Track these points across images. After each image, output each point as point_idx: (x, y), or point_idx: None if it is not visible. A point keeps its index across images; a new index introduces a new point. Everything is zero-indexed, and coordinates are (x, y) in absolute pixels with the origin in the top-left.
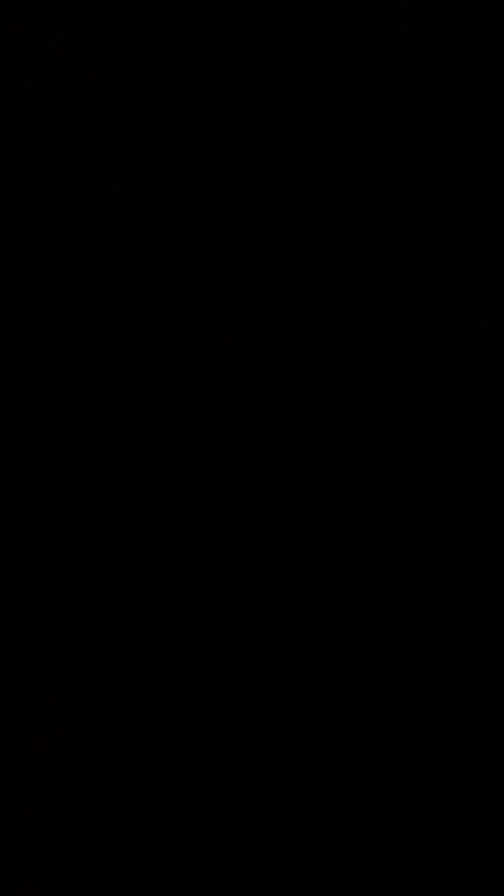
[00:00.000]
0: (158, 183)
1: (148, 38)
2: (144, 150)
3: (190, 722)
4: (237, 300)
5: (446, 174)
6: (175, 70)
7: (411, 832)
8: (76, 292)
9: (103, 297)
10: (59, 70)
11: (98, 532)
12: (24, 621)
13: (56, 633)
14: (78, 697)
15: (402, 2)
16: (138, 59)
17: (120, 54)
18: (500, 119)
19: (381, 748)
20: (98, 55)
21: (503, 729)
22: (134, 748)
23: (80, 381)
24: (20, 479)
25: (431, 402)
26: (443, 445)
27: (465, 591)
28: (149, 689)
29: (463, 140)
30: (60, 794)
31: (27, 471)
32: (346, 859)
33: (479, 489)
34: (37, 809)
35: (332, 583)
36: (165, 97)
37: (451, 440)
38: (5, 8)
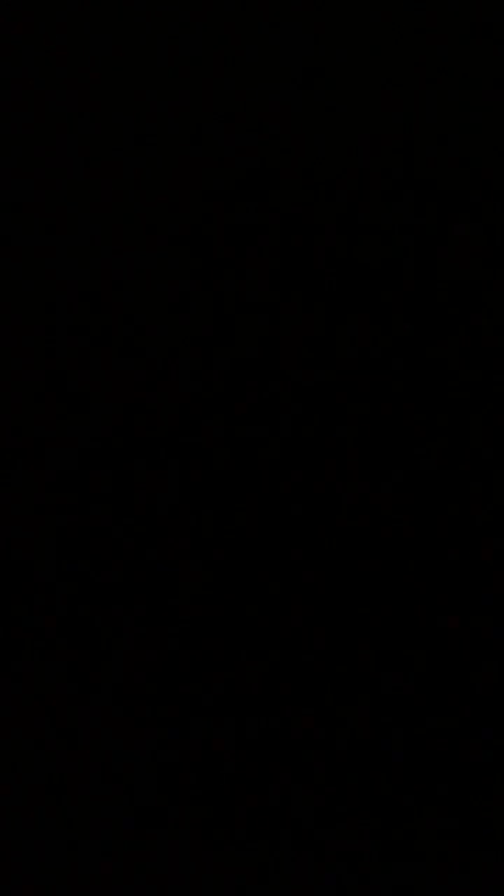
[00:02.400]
0: (158, 183)
1: (148, 38)
2: (144, 150)
3: (190, 722)
4: (237, 300)
5: (446, 174)
6: (175, 70)
7: (411, 832)
8: (76, 292)
9: (103, 297)
10: (59, 70)
11: (98, 532)
12: (24, 621)
13: (56, 634)
14: (78, 697)
15: (402, 2)
16: (138, 59)
17: (120, 54)
18: (501, 119)
19: (380, 748)
20: (98, 55)
21: (503, 729)
22: (134, 748)
23: (80, 381)
24: (20, 479)
25: (431, 403)
26: (443, 446)
27: (465, 591)
28: (149, 689)
29: (463, 140)
30: (60, 794)
31: (27, 471)
32: (346, 859)
33: (479, 489)
34: (37, 810)
35: (332, 583)
36: (165, 97)
37: (450, 440)
38: (5, 8)
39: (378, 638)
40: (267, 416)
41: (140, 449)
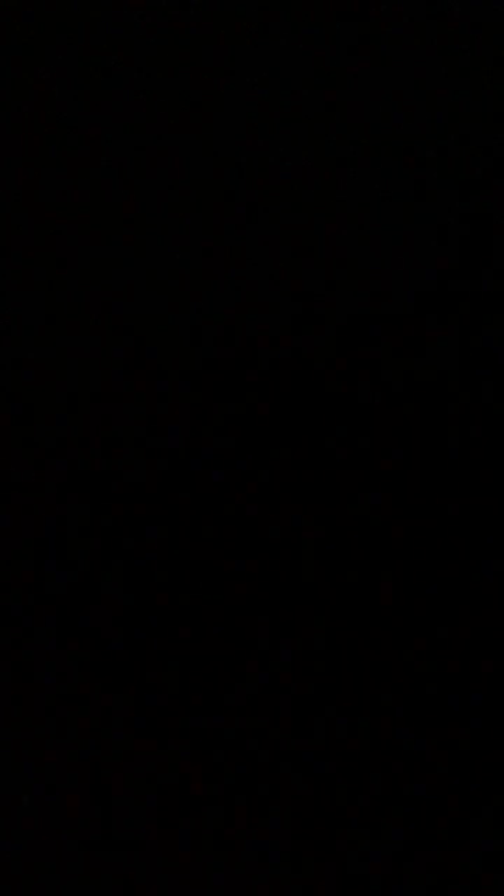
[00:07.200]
0: (158, 183)
1: (147, 38)
2: (144, 151)
3: (190, 724)
4: (237, 300)
5: (446, 174)
6: (174, 70)
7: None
8: (76, 292)
9: (103, 296)
10: (59, 70)
11: (98, 538)
12: (24, 621)
13: (56, 636)
14: (78, 697)
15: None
16: (138, 59)
17: (120, 54)
18: (501, 117)
19: (381, 754)
20: (98, 55)
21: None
22: (133, 749)
23: (80, 380)
24: (20, 479)
25: (432, 405)
26: (443, 454)
27: (466, 596)
28: (149, 689)
29: (463, 140)
30: (60, 794)
31: (27, 471)
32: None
33: (479, 495)
34: (37, 809)
35: (332, 587)
36: (165, 97)
37: (450, 449)
38: (5, 8)
39: (378, 644)
40: (267, 417)
41: (140, 452)
